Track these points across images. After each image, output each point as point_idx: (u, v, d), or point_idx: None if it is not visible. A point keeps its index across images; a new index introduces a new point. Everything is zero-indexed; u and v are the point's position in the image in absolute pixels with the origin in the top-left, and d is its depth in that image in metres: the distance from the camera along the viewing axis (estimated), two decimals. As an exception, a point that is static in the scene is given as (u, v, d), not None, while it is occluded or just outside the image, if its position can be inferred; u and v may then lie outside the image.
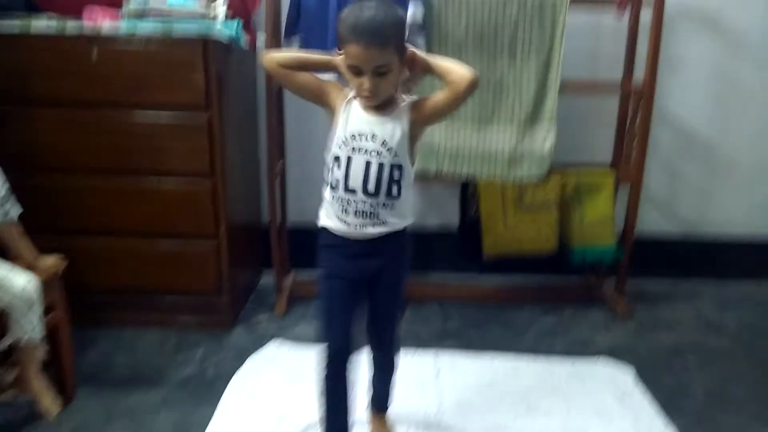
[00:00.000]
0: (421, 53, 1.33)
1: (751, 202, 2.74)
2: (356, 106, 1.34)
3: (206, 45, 1.97)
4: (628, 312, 2.41)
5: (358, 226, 1.35)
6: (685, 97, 2.63)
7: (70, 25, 1.97)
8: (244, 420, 1.69)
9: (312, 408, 1.70)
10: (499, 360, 2.03)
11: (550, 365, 2.00)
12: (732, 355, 2.14)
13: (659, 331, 2.30)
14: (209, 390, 1.85)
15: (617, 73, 2.50)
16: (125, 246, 2.14)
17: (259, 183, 2.62)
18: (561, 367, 1.99)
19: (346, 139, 1.33)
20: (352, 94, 1.34)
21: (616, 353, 2.10)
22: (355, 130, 1.32)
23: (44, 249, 1.73)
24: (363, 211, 1.34)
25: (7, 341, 1.58)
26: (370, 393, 1.60)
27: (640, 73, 2.35)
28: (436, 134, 2.27)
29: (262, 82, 2.35)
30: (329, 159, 1.37)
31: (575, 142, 2.59)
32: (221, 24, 2.06)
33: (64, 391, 1.76)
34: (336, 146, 1.34)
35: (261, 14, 2.29)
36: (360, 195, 1.33)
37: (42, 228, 1.78)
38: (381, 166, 1.31)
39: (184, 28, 1.97)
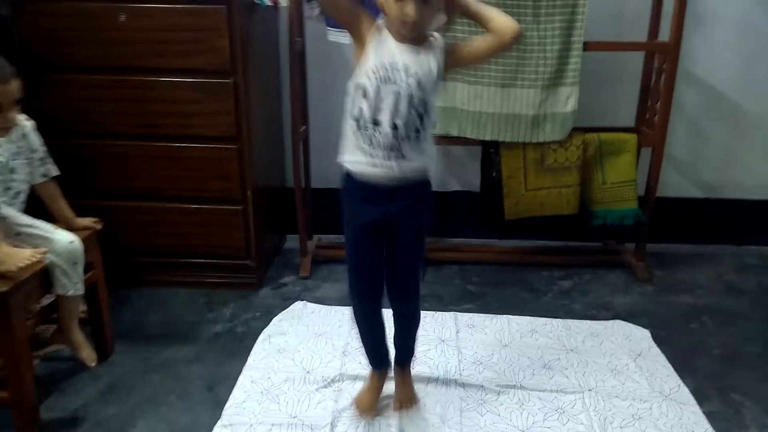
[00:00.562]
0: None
1: (776, 165, 2.71)
2: (387, 35, 1.32)
3: (230, 9, 1.99)
4: (648, 275, 2.44)
5: (382, 158, 1.34)
6: (711, 55, 2.57)
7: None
8: (272, 373, 1.78)
9: (333, 363, 1.80)
10: (517, 321, 2.08)
11: (567, 326, 2.05)
12: (749, 316, 2.17)
13: (678, 294, 2.32)
14: (239, 345, 1.94)
15: (642, 33, 2.46)
16: (156, 209, 2.22)
17: (283, 148, 2.66)
18: (578, 327, 2.04)
19: (376, 68, 1.30)
20: (382, 22, 1.32)
21: (634, 315, 2.14)
22: (387, 61, 1.30)
23: (77, 212, 1.81)
24: (387, 144, 1.33)
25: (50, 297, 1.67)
26: (394, 347, 1.63)
27: (665, 31, 2.32)
28: (458, 97, 2.27)
29: (285, 44, 2.37)
30: (352, 88, 1.34)
31: (598, 104, 2.57)
32: (245, -13, 2.07)
33: (103, 346, 1.86)
34: (364, 76, 1.32)
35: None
36: (386, 127, 1.31)
37: (74, 191, 1.84)
38: (410, 98, 1.30)
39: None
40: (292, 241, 2.68)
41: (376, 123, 1.32)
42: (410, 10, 1.23)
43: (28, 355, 1.55)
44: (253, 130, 2.17)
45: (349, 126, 1.37)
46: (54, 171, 1.73)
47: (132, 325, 2.06)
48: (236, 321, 2.10)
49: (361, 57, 1.34)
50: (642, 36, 2.47)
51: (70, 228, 1.70)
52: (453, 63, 1.36)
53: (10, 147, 1.60)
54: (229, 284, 2.30)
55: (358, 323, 1.57)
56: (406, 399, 1.64)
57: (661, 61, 2.34)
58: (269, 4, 2.24)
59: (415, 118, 1.32)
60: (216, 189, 2.18)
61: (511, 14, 2.12)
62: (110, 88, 2.08)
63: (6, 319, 1.45)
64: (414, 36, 1.31)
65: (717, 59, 2.58)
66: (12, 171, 1.62)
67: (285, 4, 2.32)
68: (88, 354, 1.77)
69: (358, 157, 1.37)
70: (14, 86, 1.51)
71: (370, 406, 1.60)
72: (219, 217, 2.23)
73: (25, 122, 1.65)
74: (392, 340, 1.61)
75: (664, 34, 2.34)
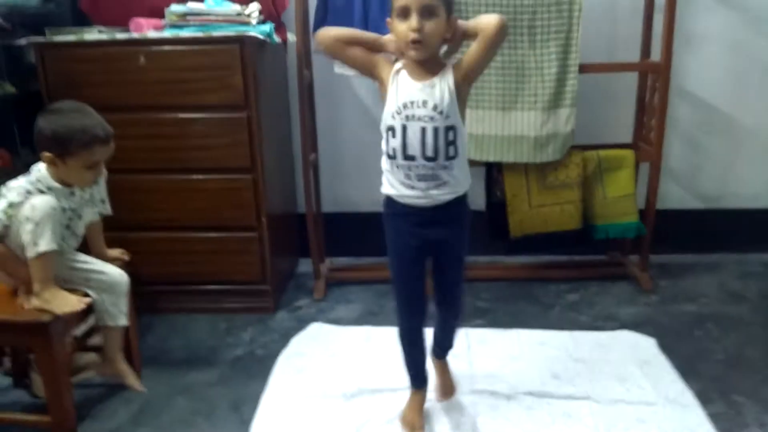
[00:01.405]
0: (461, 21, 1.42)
1: (772, 174, 2.79)
2: (404, 76, 1.41)
3: (243, 47, 2.11)
4: (652, 285, 2.51)
5: (423, 189, 1.44)
6: (703, 72, 2.67)
7: (119, 35, 2.14)
8: (293, 393, 1.86)
9: (352, 381, 1.88)
10: (526, 334, 2.15)
11: (574, 337, 2.12)
12: (751, 322, 2.24)
13: (681, 303, 2.39)
14: (259, 368, 2.02)
15: (635, 53, 2.57)
16: (176, 239, 2.32)
17: (293, 175, 2.77)
18: (585, 338, 2.11)
19: (399, 108, 1.40)
20: (399, 65, 1.42)
21: (639, 325, 2.21)
22: (407, 99, 1.39)
23: (106, 243, 1.91)
24: (425, 175, 1.42)
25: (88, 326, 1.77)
26: (434, 342, 1.73)
27: (657, 51, 2.43)
28: (460, 122, 2.38)
29: (294, 77, 2.49)
30: (383, 129, 1.44)
31: (597, 122, 2.67)
32: (255, 26, 2.19)
33: (132, 371, 1.94)
34: (389, 117, 1.42)
35: (291, 11, 2.42)
36: (420, 161, 1.40)
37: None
38: (436, 130, 1.39)
39: (222, 32, 2.11)
40: (305, 265, 2.77)
41: (410, 159, 1.41)
42: (414, 23, 1.32)
43: (67, 380, 1.65)
44: (266, 160, 2.28)
45: (385, 163, 1.48)
46: (108, 211, 1.84)
47: (156, 350, 2.15)
48: (255, 344, 2.18)
49: (384, 96, 1.44)
50: (635, 56, 2.58)
51: (102, 259, 1.80)
52: (464, 77, 1.43)
53: (83, 195, 1.71)
54: (246, 309, 2.39)
55: (402, 344, 1.65)
56: (447, 388, 1.78)
57: (654, 79, 2.45)
58: (278, 41, 2.37)
59: (446, 146, 1.40)
60: (232, 217, 2.28)
61: (508, 41, 2.30)
62: (131, 126, 2.19)
63: (48, 347, 1.55)
64: (425, 57, 1.38)
65: (708, 76, 2.68)
66: (80, 217, 1.73)
67: (293, 40, 2.45)
68: (133, 381, 1.87)
69: (399, 189, 1.47)
70: (112, 146, 1.63)
71: (415, 423, 1.67)
72: (235, 244, 2.32)
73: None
74: (433, 336, 1.72)
75: (656, 54, 2.44)
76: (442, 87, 1.40)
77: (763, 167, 2.78)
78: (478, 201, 2.74)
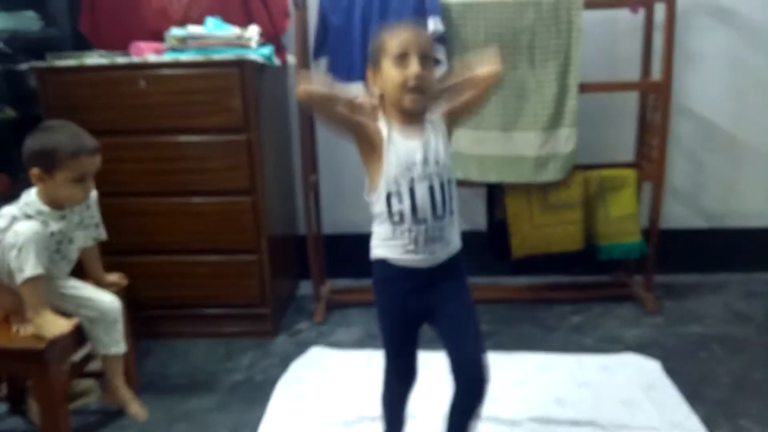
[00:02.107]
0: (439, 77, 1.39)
1: (775, 192, 2.77)
2: (397, 137, 1.33)
3: (243, 70, 2.11)
4: (657, 306, 2.48)
5: (428, 253, 1.34)
6: (704, 90, 2.67)
7: (119, 59, 2.15)
8: (292, 419, 1.83)
9: (352, 407, 1.85)
10: (530, 358, 2.12)
11: (578, 361, 2.09)
12: (757, 343, 2.20)
13: (687, 324, 2.36)
14: (258, 393, 1.99)
15: (635, 72, 2.57)
16: (175, 262, 2.30)
17: (294, 197, 2.76)
18: (589, 362, 2.08)
19: (402, 171, 1.32)
20: (386, 128, 1.33)
21: (644, 347, 2.18)
22: (408, 161, 1.32)
23: (104, 267, 1.90)
24: (433, 237, 1.33)
25: (82, 353, 1.75)
26: (449, 423, 1.44)
27: (657, 70, 2.42)
28: (461, 143, 2.36)
29: (294, 98, 2.50)
30: (381, 196, 1.33)
31: (598, 141, 2.67)
32: (255, 48, 2.20)
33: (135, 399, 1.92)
34: (391, 182, 1.32)
35: (291, 33, 2.44)
36: (430, 222, 1.32)
37: (101, 248, 1.94)
38: (442, 186, 1.33)
39: (222, 55, 2.12)
40: (305, 287, 2.76)
41: (420, 222, 1.32)
42: (415, 67, 1.27)
43: (65, 407, 1.63)
44: (266, 181, 2.27)
45: (387, 229, 1.35)
46: (103, 236, 1.83)
47: (154, 376, 2.12)
48: (255, 369, 2.15)
49: (375, 162, 1.34)
50: (635, 75, 2.58)
51: (99, 285, 1.79)
52: (456, 123, 1.41)
53: (73, 218, 1.70)
54: (246, 333, 2.36)
55: (384, 407, 1.56)
56: None
57: (655, 98, 2.44)
58: (278, 63, 2.38)
59: (449, 200, 1.35)
60: (232, 240, 2.27)
61: (508, 62, 2.30)
62: (131, 150, 2.19)
63: (44, 374, 1.53)
64: (421, 108, 1.32)
65: (709, 94, 2.68)
66: (71, 241, 1.71)
67: (293, 62, 2.46)
68: (137, 409, 1.84)
69: (402, 254, 1.35)
70: (98, 158, 1.63)
71: None
72: (235, 267, 2.31)
73: (91, 194, 1.75)
74: (450, 411, 1.43)
75: (657, 72, 2.44)
76: (436, 137, 1.35)
77: (766, 185, 2.76)
78: (479, 221, 2.73)
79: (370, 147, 1.34)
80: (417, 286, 1.38)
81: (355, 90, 1.43)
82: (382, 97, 1.35)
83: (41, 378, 1.55)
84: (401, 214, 1.33)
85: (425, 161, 1.32)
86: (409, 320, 1.43)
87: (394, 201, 1.32)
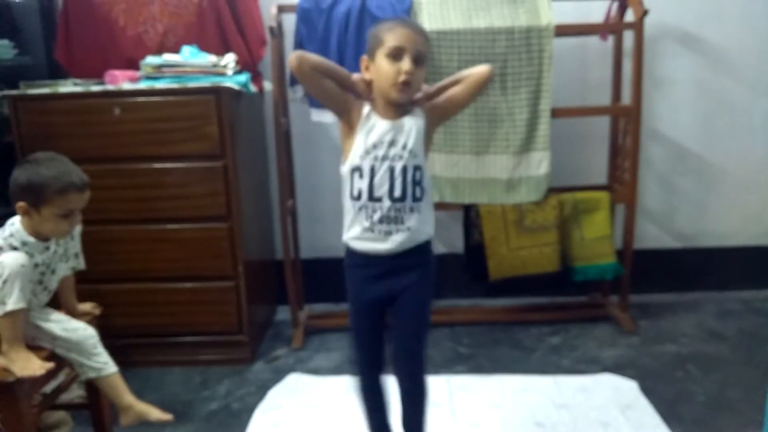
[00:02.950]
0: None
1: (744, 213, 2.83)
2: (374, 116, 1.41)
3: (219, 97, 2.12)
4: (633, 326, 2.51)
5: (383, 232, 1.40)
6: (673, 114, 2.74)
7: (94, 87, 2.15)
8: (270, 448, 1.80)
9: (332, 434, 1.83)
10: (509, 380, 2.13)
11: (557, 382, 2.10)
12: (731, 361, 2.24)
13: (662, 343, 2.39)
14: (235, 422, 1.96)
15: (606, 97, 2.63)
16: (151, 290, 2.28)
17: (271, 221, 2.76)
18: (567, 383, 2.09)
19: (368, 148, 1.39)
20: (367, 108, 1.42)
21: (621, 367, 2.20)
22: (377, 140, 1.39)
23: (79, 296, 1.87)
24: (388, 217, 1.39)
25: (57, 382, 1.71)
26: (403, 422, 1.56)
27: (627, 94, 2.49)
28: (436, 166, 2.40)
29: (271, 123, 2.51)
30: (347, 171, 1.42)
31: (572, 165, 2.72)
32: (231, 76, 2.21)
33: (103, 430, 1.88)
34: (357, 157, 1.40)
35: (267, 61, 2.46)
36: (386, 202, 1.39)
37: (77, 277, 1.92)
38: (404, 169, 1.39)
39: (197, 83, 2.13)
40: (283, 313, 2.74)
41: (376, 200, 1.39)
42: (407, 66, 1.34)
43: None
44: (243, 207, 2.27)
45: (349, 206, 1.44)
46: (82, 265, 1.80)
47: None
48: (231, 397, 2.12)
49: (349, 138, 1.43)
50: (606, 100, 2.64)
51: (72, 315, 1.76)
52: (439, 117, 1.47)
53: (57, 249, 1.67)
54: (222, 361, 2.34)
55: (361, 398, 1.59)
56: None
57: (626, 122, 2.50)
58: (255, 90, 2.39)
59: (413, 186, 1.40)
60: (208, 267, 2.26)
61: (481, 88, 2.34)
62: (106, 177, 2.17)
63: (14, 406, 1.49)
64: (405, 100, 1.39)
65: (678, 118, 2.75)
66: (53, 272, 1.68)
67: (270, 89, 2.48)
68: (159, 414, 1.73)
69: (361, 234, 1.43)
70: (87, 194, 1.61)
71: None
72: (211, 294, 2.29)
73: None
74: (402, 415, 1.55)
75: (627, 97, 2.50)
76: (411, 126, 1.41)
77: (736, 205, 2.83)
78: (456, 244, 2.75)
79: (348, 124, 1.43)
80: (378, 273, 1.45)
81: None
82: (371, 84, 1.42)
83: (11, 411, 1.50)
84: (360, 191, 1.40)
85: (392, 143, 1.39)
86: (371, 306, 1.49)
87: (356, 177, 1.41)
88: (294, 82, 2.40)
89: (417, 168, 1.41)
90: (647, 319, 2.60)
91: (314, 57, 1.39)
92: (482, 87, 1.45)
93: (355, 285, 1.50)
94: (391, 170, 1.39)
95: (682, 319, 2.59)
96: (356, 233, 1.44)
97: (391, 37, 1.35)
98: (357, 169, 1.41)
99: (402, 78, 1.34)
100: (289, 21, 2.43)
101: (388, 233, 1.41)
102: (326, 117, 2.34)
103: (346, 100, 1.44)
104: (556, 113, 2.38)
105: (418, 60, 1.36)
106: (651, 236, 2.84)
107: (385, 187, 1.39)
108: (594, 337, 2.46)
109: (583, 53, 2.67)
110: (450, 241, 2.82)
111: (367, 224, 1.41)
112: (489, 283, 2.53)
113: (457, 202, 2.45)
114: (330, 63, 1.43)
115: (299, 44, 2.35)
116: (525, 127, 2.36)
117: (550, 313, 2.66)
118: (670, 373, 2.16)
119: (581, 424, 1.85)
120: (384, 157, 1.39)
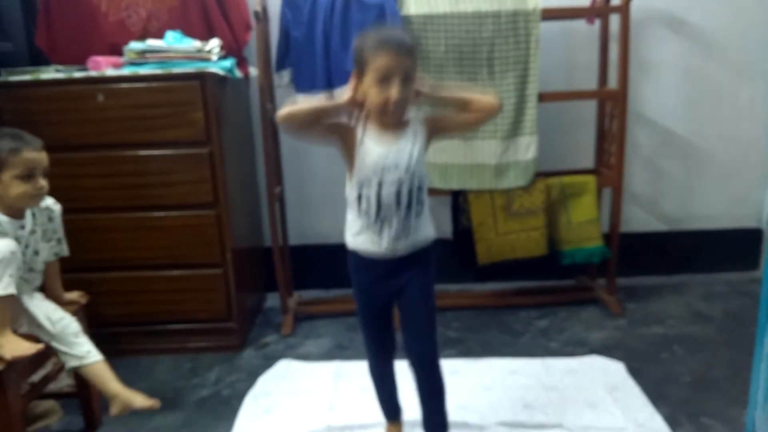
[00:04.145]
0: (428, 84, 1.43)
1: (730, 195, 2.85)
2: (369, 140, 1.40)
3: (204, 83, 2.10)
4: (620, 309, 2.53)
5: (390, 248, 1.44)
6: (659, 98, 2.75)
7: (76, 73, 2.12)
8: (261, 434, 1.80)
9: (321, 419, 1.84)
10: (498, 363, 2.14)
11: (545, 365, 2.11)
12: (717, 342, 2.27)
13: (649, 325, 2.41)
14: (225, 409, 1.96)
15: (593, 81, 2.64)
16: (138, 278, 2.26)
17: (259, 208, 2.74)
18: (555, 365, 2.11)
19: (370, 176, 1.39)
20: (360, 132, 1.40)
21: (609, 349, 2.22)
22: (378, 165, 1.39)
23: (63, 285, 1.85)
24: (398, 235, 1.43)
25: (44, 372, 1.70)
26: (424, 420, 1.60)
27: (613, 79, 2.49)
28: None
29: (257, 109, 2.48)
30: (352, 195, 1.44)
31: (559, 149, 2.72)
32: (216, 62, 2.19)
33: (91, 419, 1.87)
34: (359, 185, 1.41)
35: (252, 45, 2.43)
36: (394, 222, 1.42)
37: (62, 265, 1.90)
38: (410, 191, 1.41)
39: (182, 69, 2.10)
40: (272, 300, 2.73)
41: (384, 218, 1.42)
42: (395, 92, 1.31)
43: (23, 430, 1.57)
44: (230, 194, 2.25)
45: (355, 220, 1.47)
46: (65, 252, 1.80)
47: (118, 395, 2.07)
48: (221, 384, 2.12)
49: (350, 159, 1.43)
50: (593, 84, 2.64)
51: (58, 303, 1.74)
52: (437, 134, 1.48)
53: (36, 228, 1.67)
54: (212, 348, 2.33)
55: (373, 378, 1.67)
56: None
57: (612, 106, 2.50)
58: (240, 75, 2.37)
59: (417, 198, 1.43)
60: (196, 254, 2.24)
61: (468, 72, 2.33)
62: (90, 165, 2.15)
63: (2, 395, 1.48)
64: (397, 120, 1.39)
65: (665, 101, 2.75)
66: (36, 253, 1.68)
67: (255, 74, 2.45)
68: (143, 400, 1.70)
69: (367, 244, 1.46)
70: (44, 155, 1.60)
71: None
72: (200, 281, 2.28)
73: (54, 206, 1.73)
74: (422, 409, 1.59)
75: (613, 81, 2.51)
76: (412, 144, 1.41)
77: (722, 188, 2.85)
78: (445, 229, 2.74)
79: (346, 148, 1.44)
80: (383, 274, 1.49)
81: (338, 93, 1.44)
82: (362, 103, 1.39)
83: (-2, 400, 1.50)
84: (368, 212, 1.42)
85: (395, 167, 1.39)
86: (379, 303, 1.55)
87: (363, 198, 1.42)
88: (280, 66, 2.38)
89: (420, 188, 1.43)
90: (634, 301, 2.63)
91: (303, 109, 1.34)
92: (488, 121, 1.48)
93: (361, 285, 1.54)
94: (398, 194, 1.40)
95: (669, 302, 2.62)
96: (363, 242, 1.47)
97: (379, 61, 1.30)
98: (365, 192, 1.41)
99: (391, 107, 1.34)
100: (275, 5, 2.40)
101: (397, 240, 1.44)
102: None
103: (339, 135, 1.43)
104: (543, 97, 2.38)
105: (407, 79, 1.33)
106: (638, 219, 2.86)
107: (392, 209, 1.41)
108: (581, 320, 2.48)
109: (570, 37, 2.67)
110: (438, 227, 2.74)
111: (376, 238, 1.45)
112: (477, 267, 2.54)
113: (445, 188, 2.45)
114: (318, 105, 1.37)
115: (285, 28, 2.33)
116: (513, 111, 2.36)
117: (539, 296, 2.68)
118: (657, 354, 2.19)
119: (569, 405, 1.87)
120: (389, 181, 1.39)
